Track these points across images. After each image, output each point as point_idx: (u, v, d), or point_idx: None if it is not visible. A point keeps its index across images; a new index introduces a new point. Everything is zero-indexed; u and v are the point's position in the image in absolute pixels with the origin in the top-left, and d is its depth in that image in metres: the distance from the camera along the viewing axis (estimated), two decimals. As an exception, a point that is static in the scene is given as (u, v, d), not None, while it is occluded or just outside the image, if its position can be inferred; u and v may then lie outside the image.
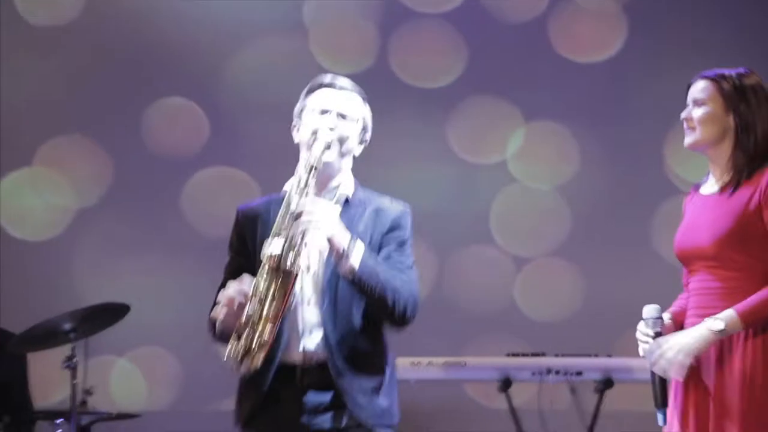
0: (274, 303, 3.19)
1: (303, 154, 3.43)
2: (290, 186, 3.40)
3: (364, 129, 3.52)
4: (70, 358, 4.94)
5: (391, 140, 6.28)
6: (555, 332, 6.11)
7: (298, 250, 3.20)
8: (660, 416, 3.42)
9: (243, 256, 3.44)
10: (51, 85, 6.39)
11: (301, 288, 3.36)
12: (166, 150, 6.40)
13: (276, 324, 3.20)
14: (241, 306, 3.21)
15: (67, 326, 4.95)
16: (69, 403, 4.95)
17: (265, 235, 3.31)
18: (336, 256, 3.29)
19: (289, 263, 3.18)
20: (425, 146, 6.38)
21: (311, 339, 3.37)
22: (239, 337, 3.19)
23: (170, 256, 6.28)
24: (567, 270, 6.35)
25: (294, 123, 3.51)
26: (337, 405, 3.37)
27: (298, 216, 3.23)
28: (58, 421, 4.85)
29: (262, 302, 3.19)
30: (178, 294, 6.09)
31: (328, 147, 3.37)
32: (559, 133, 6.38)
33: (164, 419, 6.09)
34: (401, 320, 3.38)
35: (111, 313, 5.10)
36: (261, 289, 3.20)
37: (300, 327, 3.37)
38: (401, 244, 3.44)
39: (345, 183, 3.48)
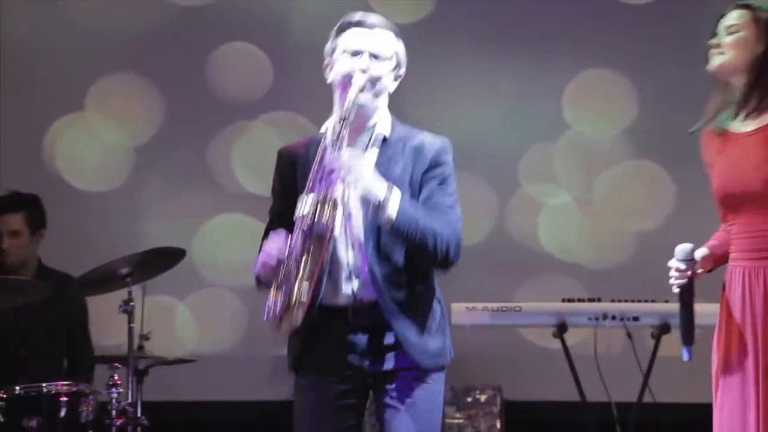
0: (309, 263, 3.20)
1: (336, 95, 3.42)
2: (327, 129, 3.40)
3: (398, 65, 3.47)
4: (126, 302, 4.97)
5: (451, 83, 6.24)
6: (612, 277, 6.07)
7: (331, 209, 3.20)
8: (685, 353, 3.44)
9: (284, 198, 3.44)
10: (109, 28, 6.39)
11: (345, 231, 3.36)
12: (229, 93, 6.38)
13: (312, 283, 3.21)
14: (280, 263, 3.22)
15: (124, 270, 4.97)
16: (126, 347, 4.99)
17: (304, 179, 3.32)
18: (373, 208, 3.29)
19: (321, 225, 3.18)
20: (485, 89, 6.32)
21: (359, 281, 3.37)
22: (277, 297, 3.20)
23: (228, 199, 6.28)
24: (624, 214, 6.29)
25: (326, 62, 3.47)
26: (389, 346, 3.38)
27: (330, 172, 3.22)
28: (115, 365, 4.89)
29: (297, 262, 3.20)
30: (236, 237, 6.09)
31: (361, 90, 3.34)
32: (615, 78, 6.30)
33: (222, 364, 6.13)
34: (444, 263, 3.37)
35: (167, 258, 5.11)
36: (296, 247, 3.20)
37: (347, 270, 3.37)
38: (443, 182, 3.41)
39: (381, 122, 3.44)
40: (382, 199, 3.27)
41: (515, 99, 6.35)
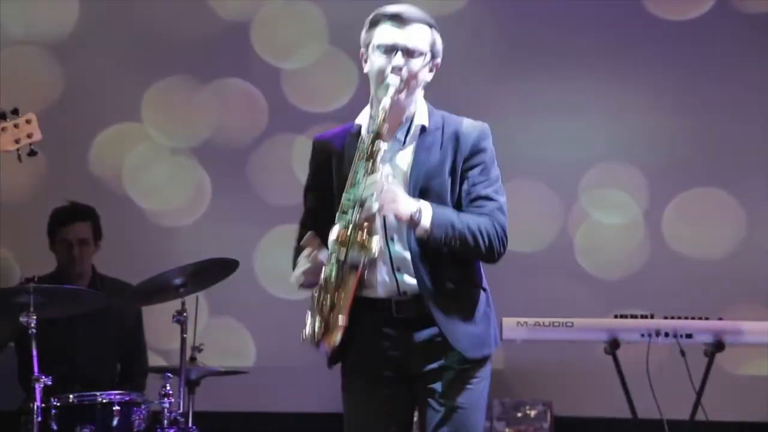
0: (344, 293, 3.22)
1: (372, 88, 3.41)
2: (363, 124, 3.41)
3: (434, 56, 3.43)
4: (180, 312, 5.00)
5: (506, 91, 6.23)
6: (665, 294, 6.03)
7: (363, 239, 3.21)
8: None
9: (319, 192, 3.46)
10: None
11: (387, 225, 3.36)
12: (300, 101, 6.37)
13: (347, 310, 3.22)
14: (318, 269, 3.26)
15: (178, 281, 5.00)
16: (178, 358, 5.02)
17: (341, 171, 3.35)
18: (407, 225, 3.30)
19: (354, 255, 3.20)
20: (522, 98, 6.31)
21: (403, 273, 3.38)
22: (314, 320, 3.24)
23: (287, 209, 6.27)
24: (676, 231, 6.26)
25: (361, 52, 3.45)
26: (431, 340, 3.38)
27: (362, 203, 3.22)
28: (167, 375, 4.92)
29: (332, 291, 3.22)
30: (290, 248, 6.08)
31: (398, 92, 3.33)
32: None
33: (274, 374, 6.15)
34: (489, 256, 3.38)
35: (220, 269, 5.14)
36: (331, 277, 3.23)
37: (390, 263, 3.37)
38: (483, 169, 3.41)
39: (419, 113, 3.44)
40: (414, 216, 3.28)
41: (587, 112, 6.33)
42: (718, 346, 5.31)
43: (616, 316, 5.49)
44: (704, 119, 6.26)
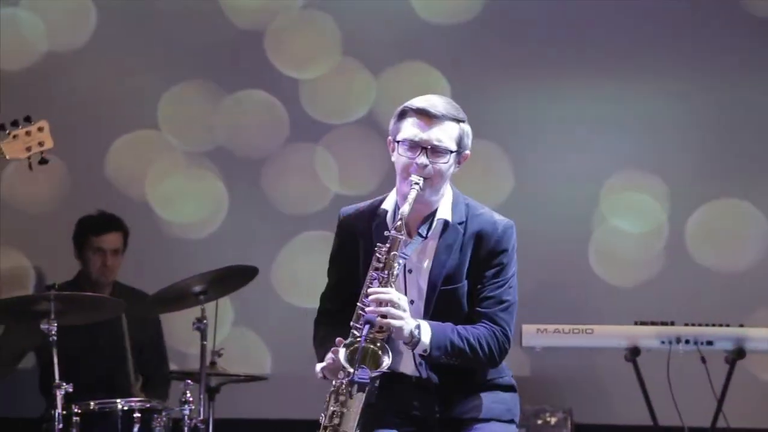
0: (351, 410, 3.24)
1: (397, 180, 3.40)
2: (389, 209, 3.41)
3: (461, 149, 3.39)
4: (200, 319, 5.01)
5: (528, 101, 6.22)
6: (685, 301, 6.01)
7: (374, 352, 3.25)
8: None
9: (343, 266, 3.47)
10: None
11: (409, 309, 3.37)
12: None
13: (354, 424, 3.25)
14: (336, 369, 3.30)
15: (198, 288, 5.02)
16: (197, 362, 5.04)
17: (369, 251, 3.35)
18: (406, 343, 3.32)
19: (362, 373, 3.21)
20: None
21: (425, 368, 3.40)
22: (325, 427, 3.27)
23: (302, 220, 6.28)
24: (698, 239, 6.24)
25: (389, 140, 3.42)
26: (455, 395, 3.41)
27: (372, 325, 3.24)
28: (187, 382, 4.93)
29: (341, 404, 3.26)
30: (308, 257, 6.09)
31: (419, 192, 3.31)
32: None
33: (293, 382, 6.14)
34: (490, 364, 3.41)
35: (240, 276, 5.15)
36: (341, 388, 3.26)
37: (413, 356, 3.39)
38: (499, 272, 3.39)
39: (442, 206, 3.41)
40: (414, 336, 3.29)
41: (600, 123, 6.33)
42: (739, 353, 5.31)
43: (636, 323, 5.48)
44: (727, 129, 6.23)
